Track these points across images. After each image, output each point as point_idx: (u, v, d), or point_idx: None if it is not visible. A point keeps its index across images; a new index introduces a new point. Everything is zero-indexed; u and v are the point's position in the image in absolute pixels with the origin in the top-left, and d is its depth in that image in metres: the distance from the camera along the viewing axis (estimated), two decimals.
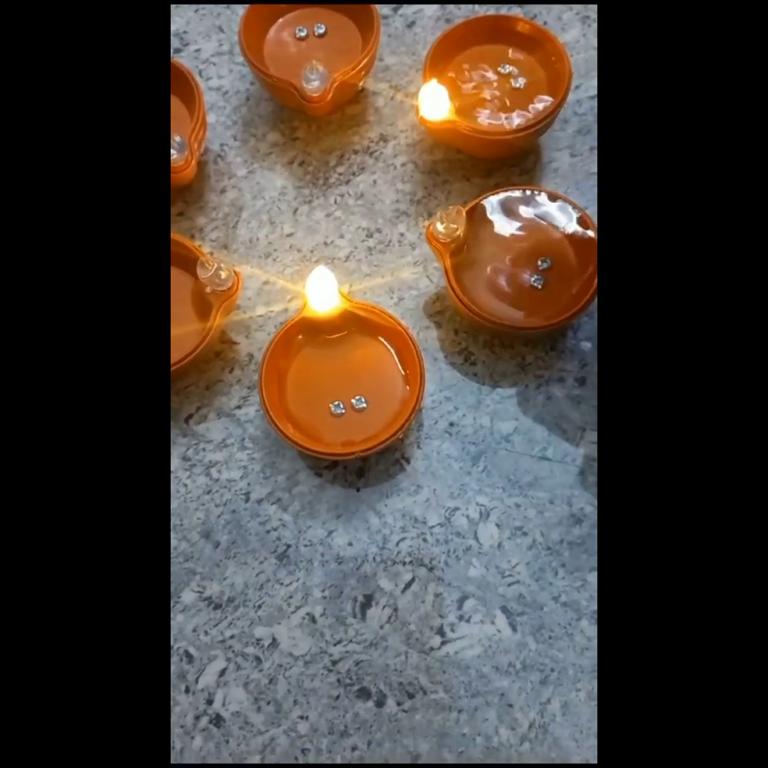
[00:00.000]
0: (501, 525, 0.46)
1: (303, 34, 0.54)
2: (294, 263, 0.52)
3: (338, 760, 0.42)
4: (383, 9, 0.57)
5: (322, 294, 0.43)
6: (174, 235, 0.47)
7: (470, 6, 0.57)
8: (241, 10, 0.58)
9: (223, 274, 0.44)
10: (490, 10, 0.57)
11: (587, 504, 0.46)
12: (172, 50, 0.58)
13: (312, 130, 0.55)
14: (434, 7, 0.58)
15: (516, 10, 0.57)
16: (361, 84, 0.53)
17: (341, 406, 0.45)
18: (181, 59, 0.57)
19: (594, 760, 0.41)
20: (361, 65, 0.50)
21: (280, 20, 0.54)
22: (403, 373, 0.45)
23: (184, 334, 0.46)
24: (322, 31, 0.54)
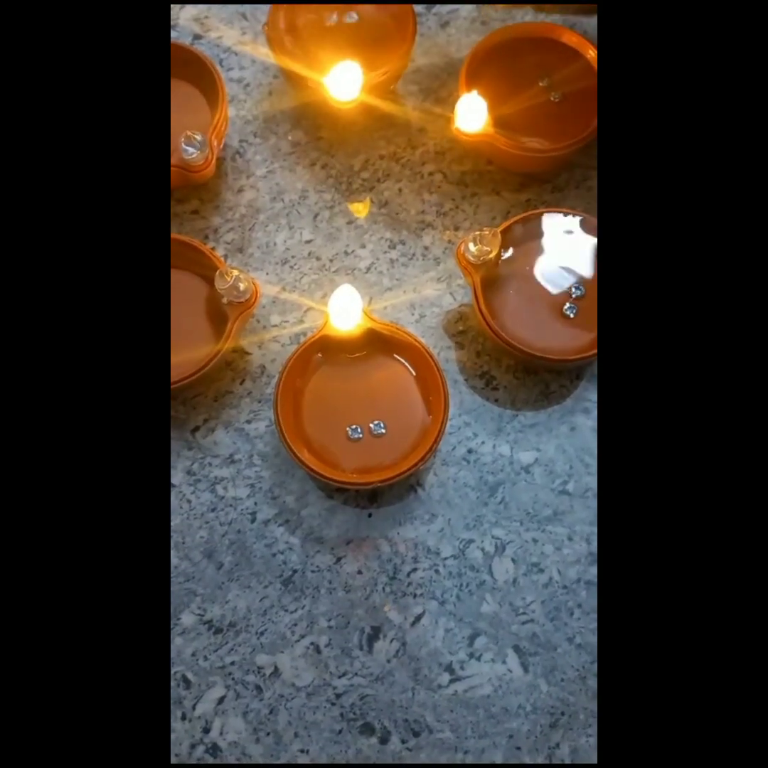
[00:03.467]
0: (517, 560, 0.44)
1: (333, 20, 0.51)
2: (312, 272, 0.49)
3: None
4: (416, 6, 0.54)
5: (346, 312, 0.41)
6: (190, 240, 0.44)
7: (507, 9, 0.55)
8: None
9: (242, 286, 0.42)
10: (527, 15, 0.55)
11: None
12: (191, 37, 0.55)
13: (337, 130, 0.52)
14: (470, 7, 0.55)
15: (555, 17, 0.55)
16: (391, 88, 0.50)
17: (359, 430, 0.43)
18: (200, 47, 0.54)
19: None
20: (394, 70, 0.47)
21: (310, 9, 0.51)
22: (425, 399, 0.43)
23: (197, 345, 0.43)
24: (353, 20, 0.51)
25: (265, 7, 0.53)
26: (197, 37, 0.55)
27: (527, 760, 0.41)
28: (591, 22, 0.54)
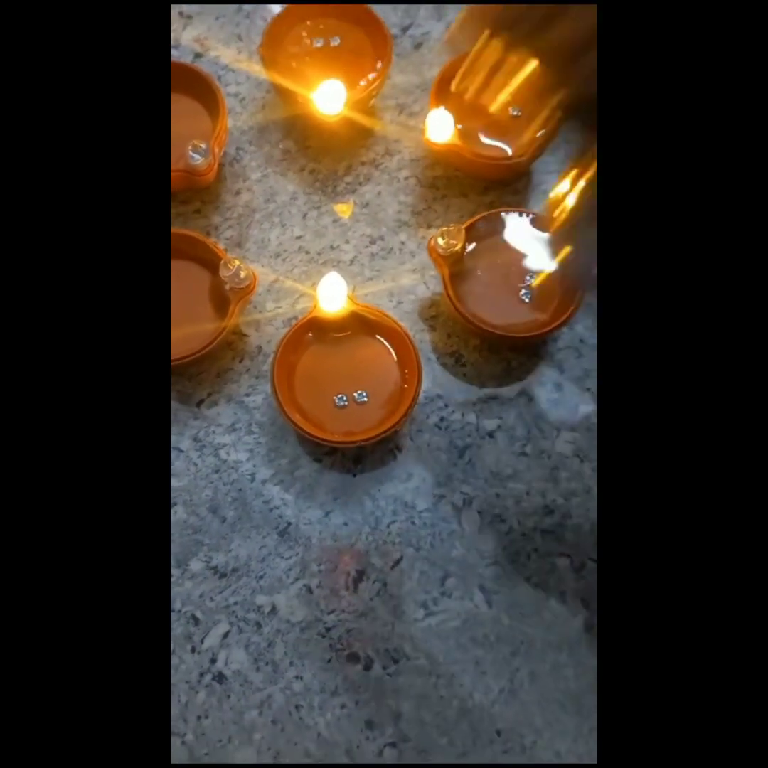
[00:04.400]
0: (482, 512, 0.51)
1: (319, 44, 0.58)
2: (302, 264, 0.56)
3: (328, 717, 0.47)
4: (392, 28, 0.61)
5: (333, 297, 0.48)
6: (197, 235, 0.51)
7: None
8: (259, 20, 0.62)
9: (243, 274, 0.48)
10: None
11: (559, 496, 0.51)
12: (192, 55, 0.61)
13: (323, 139, 0.59)
14: (441, 29, 0.62)
15: None
16: (371, 103, 0.57)
17: (344, 398, 0.49)
18: (200, 64, 0.61)
19: (556, 725, 0.47)
20: (373, 87, 0.54)
21: (299, 32, 0.58)
22: (401, 371, 0.50)
23: (202, 325, 0.50)
24: (337, 43, 0.58)
25: (259, 29, 0.59)
26: (198, 55, 0.61)
27: (492, 684, 0.48)
28: None
